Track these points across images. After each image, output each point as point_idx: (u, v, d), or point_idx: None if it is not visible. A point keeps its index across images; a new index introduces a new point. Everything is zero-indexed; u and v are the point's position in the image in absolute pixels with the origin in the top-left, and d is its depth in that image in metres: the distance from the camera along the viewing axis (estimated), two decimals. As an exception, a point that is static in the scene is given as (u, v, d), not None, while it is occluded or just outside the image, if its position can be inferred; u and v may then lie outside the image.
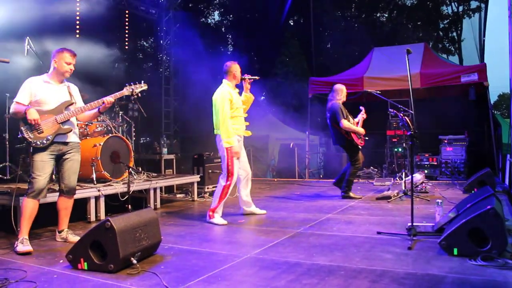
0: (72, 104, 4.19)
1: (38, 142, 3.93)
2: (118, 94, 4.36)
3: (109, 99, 4.25)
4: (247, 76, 5.43)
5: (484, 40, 13.62)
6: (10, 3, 7.10)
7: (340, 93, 6.87)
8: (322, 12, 17.95)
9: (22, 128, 3.91)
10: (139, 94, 4.54)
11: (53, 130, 4.02)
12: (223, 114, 5.03)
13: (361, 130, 6.87)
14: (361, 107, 7.13)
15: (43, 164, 3.97)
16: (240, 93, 5.41)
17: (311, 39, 13.98)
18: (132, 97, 4.56)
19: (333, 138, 7.05)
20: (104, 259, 3.18)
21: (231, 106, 5.10)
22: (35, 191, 3.93)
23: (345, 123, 6.63)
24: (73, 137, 4.23)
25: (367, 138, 7.11)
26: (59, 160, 4.14)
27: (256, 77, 5.44)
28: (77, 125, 6.06)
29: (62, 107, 4.11)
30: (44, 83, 4.09)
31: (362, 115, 7.06)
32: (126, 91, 4.42)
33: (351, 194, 6.85)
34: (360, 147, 6.84)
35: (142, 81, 4.58)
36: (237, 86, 5.38)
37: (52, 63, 4.12)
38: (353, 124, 6.81)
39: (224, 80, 5.30)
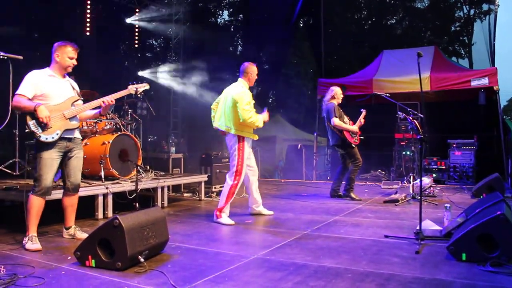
0: (78, 100, 4.14)
1: (47, 137, 3.84)
2: (118, 94, 4.33)
3: (108, 99, 4.18)
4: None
5: (494, 44, 13.48)
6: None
7: (333, 94, 6.99)
8: (333, 14, 17.92)
9: (29, 122, 3.78)
10: (143, 93, 4.58)
11: (62, 126, 3.95)
12: (249, 112, 4.97)
13: (354, 128, 6.93)
14: (362, 110, 7.16)
15: (52, 161, 3.92)
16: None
17: (321, 41, 13.95)
18: (134, 96, 4.59)
19: (329, 138, 7.14)
20: (112, 256, 3.20)
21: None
22: (42, 189, 3.87)
23: (336, 121, 6.75)
24: (77, 133, 4.20)
25: (362, 137, 7.14)
26: (64, 157, 4.08)
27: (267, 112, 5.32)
28: (86, 123, 6.19)
29: (69, 103, 4.05)
30: (49, 77, 3.98)
31: (360, 120, 7.07)
32: (130, 90, 4.42)
33: (352, 194, 6.86)
34: (354, 145, 6.87)
35: (144, 81, 4.62)
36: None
37: (54, 56, 4.01)
38: (348, 124, 6.88)
39: (240, 79, 5.26)
